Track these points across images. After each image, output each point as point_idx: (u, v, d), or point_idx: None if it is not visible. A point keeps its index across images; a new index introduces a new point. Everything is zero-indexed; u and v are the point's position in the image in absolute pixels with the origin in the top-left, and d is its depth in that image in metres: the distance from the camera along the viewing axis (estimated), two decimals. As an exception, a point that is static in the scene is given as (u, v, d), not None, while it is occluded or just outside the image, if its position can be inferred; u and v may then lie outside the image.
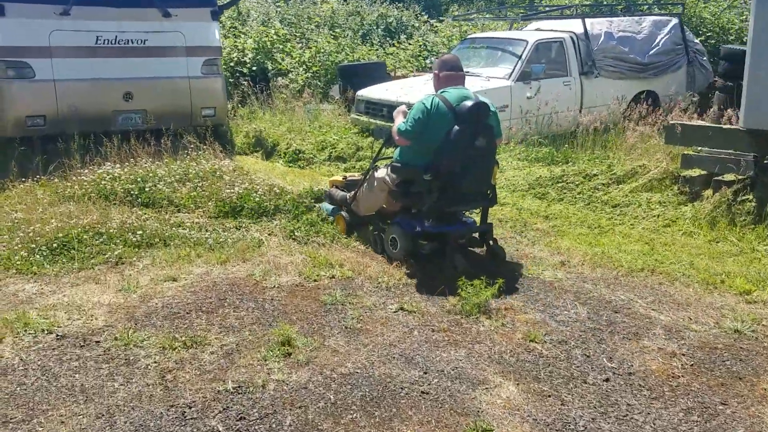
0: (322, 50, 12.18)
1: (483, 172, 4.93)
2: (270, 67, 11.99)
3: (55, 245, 5.09)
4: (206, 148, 8.06)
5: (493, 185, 5.08)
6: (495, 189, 5.12)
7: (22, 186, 6.78)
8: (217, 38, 9.13)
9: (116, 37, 8.19)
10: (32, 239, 5.17)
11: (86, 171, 6.91)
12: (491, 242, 5.09)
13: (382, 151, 5.55)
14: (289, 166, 8.56)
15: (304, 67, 11.83)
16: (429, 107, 4.72)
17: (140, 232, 5.37)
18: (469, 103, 4.68)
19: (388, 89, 8.81)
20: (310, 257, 5.00)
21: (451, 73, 4.96)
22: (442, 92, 4.85)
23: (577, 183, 6.67)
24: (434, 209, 4.81)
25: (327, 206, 5.94)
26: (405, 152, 4.99)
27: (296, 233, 5.50)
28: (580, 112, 9.00)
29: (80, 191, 6.45)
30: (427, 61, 13.20)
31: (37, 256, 4.94)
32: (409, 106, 5.30)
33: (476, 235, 5.23)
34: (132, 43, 8.31)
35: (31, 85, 7.82)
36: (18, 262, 4.84)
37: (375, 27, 14.75)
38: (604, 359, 3.45)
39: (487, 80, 8.49)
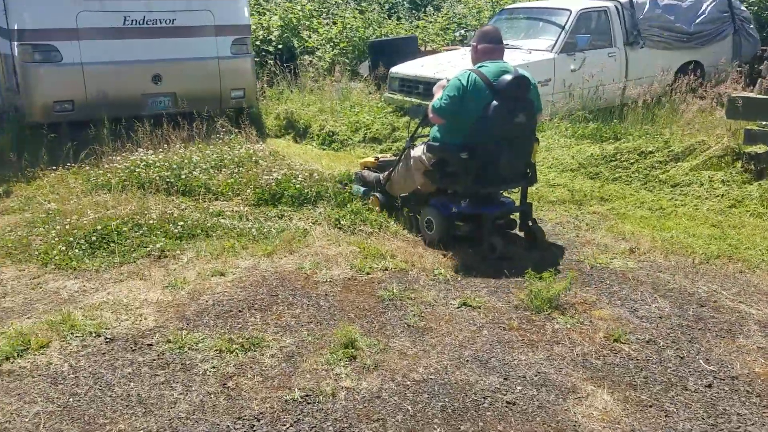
0: (349, 26, 11.82)
1: (522, 149, 4.73)
2: (296, 45, 11.67)
3: (93, 238, 4.88)
4: (238, 131, 7.83)
5: (533, 164, 4.86)
6: (535, 168, 4.91)
7: (53, 174, 6.60)
8: (247, 16, 8.83)
9: (144, 17, 7.93)
10: (69, 232, 4.97)
11: (119, 158, 6.70)
12: (530, 223, 4.90)
13: (418, 130, 5.34)
14: (323, 149, 8.30)
15: (332, 43, 11.49)
16: (465, 83, 4.52)
17: (181, 223, 5.15)
18: (508, 77, 4.48)
19: (423, 65, 8.47)
20: (359, 248, 4.75)
21: (490, 46, 4.74)
22: (479, 66, 4.64)
23: (632, 161, 6.33)
24: (471, 189, 4.65)
25: (359, 188, 5.75)
26: (441, 130, 4.80)
27: (341, 222, 5.25)
28: (624, 84, 8.61)
29: (114, 179, 6.24)
30: (456, 35, 12.81)
31: (76, 250, 4.74)
32: (430, 80, 5.15)
33: (516, 216, 5.03)
34: (160, 23, 8.04)
35: (58, 69, 7.60)
36: (57, 257, 4.65)
37: (401, 0, 14.32)
38: (701, 361, 3.18)
39: (528, 53, 8.12)
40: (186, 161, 6.50)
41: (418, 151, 5.02)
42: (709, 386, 2.97)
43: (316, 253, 4.69)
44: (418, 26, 12.84)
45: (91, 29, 7.68)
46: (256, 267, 4.48)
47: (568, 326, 3.55)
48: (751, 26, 9.84)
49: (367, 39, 11.74)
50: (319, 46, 11.33)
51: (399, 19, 13.32)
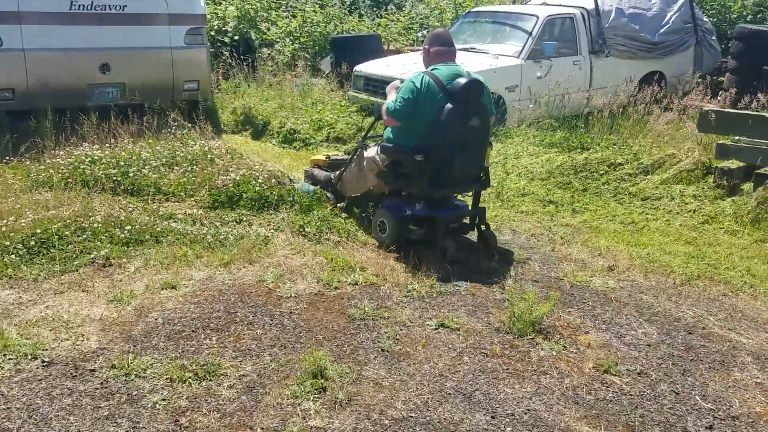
0: (309, 20, 11.43)
1: (476, 153, 4.73)
2: (254, 37, 11.22)
3: (32, 243, 4.42)
4: (192, 126, 7.40)
5: (486, 168, 4.86)
6: (488, 171, 4.89)
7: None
8: (202, 5, 8.37)
9: (93, 2, 7.41)
10: (5, 235, 4.50)
11: (62, 153, 6.21)
12: (483, 227, 4.87)
13: (371, 130, 5.30)
14: (284, 147, 7.92)
15: (292, 37, 11.08)
16: (419, 86, 4.49)
17: (129, 227, 4.74)
18: (462, 80, 4.49)
19: (389, 65, 8.18)
20: (326, 258, 4.44)
21: (442, 49, 4.73)
22: (432, 69, 4.62)
23: (601, 172, 6.19)
24: (425, 192, 4.63)
25: (308, 186, 5.58)
26: (395, 132, 4.74)
27: (306, 229, 4.92)
28: (589, 93, 8.51)
29: (56, 176, 5.76)
30: (419, 35, 12.57)
31: (12, 256, 4.28)
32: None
33: (468, 220, 5.01)
34: (110, 9, 7.53)
35: (-2, 55, 7.04)
36: (-11, 264, 4.20)
37: (361, -5, 14.00)
38: (698, 397, 2.97)
39: (495, 58, 7.92)
40: (134, 158, 6.05)
41: (372, 151, 4.95)
42: (710, 428, 2.76)
43: (278, 264, 4.36)
44: (380, 24, 12.53)
45: (34, 13, 7.14)
46: (212, 279, 4.12)
47: (554, 353, 3.32)
48: (713, 38, 9.87)
49: (328, 34, 11.38)
50: (278, 40, 10.91)
51: (361, 16, 12.98)
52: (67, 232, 4.59)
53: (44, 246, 4.46)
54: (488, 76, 7.50)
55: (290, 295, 3.91)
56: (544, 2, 9.07)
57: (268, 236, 4.81)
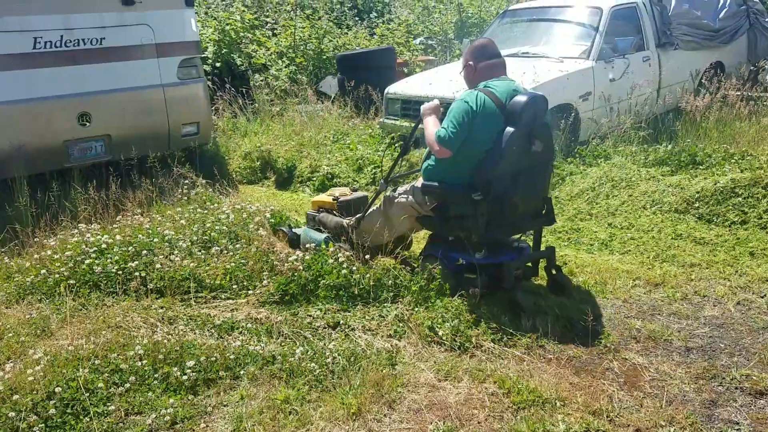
0: (299, 37, 9.93)
1: (539, 183, 4.02)
2: (238, 62, 9.66)
3: (52, 411, 2.88)
4: (207, 183, 5.88)
5: (549, 199, 4.12)
6: (551, 203, 4.12)
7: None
8: (195, 30, 6.81)
9: (62, 37, 5.78)
10: (6, 398, 2.95)
11: (53, 241, 4.62)
12: (554, 271, 4.07)
13: (397, 164, 4.53)
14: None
15: (285, 59, 9.56)
16: (475, 106, 3.72)
17: (189, 360, 3.22)
18: (522, 98, 3.74)
19: (432, 82, 6.76)
20: (497, 386, 3.02)
21: (492, 62, 3.95)
22: (485, 86, 3.84)
23: (757, 196, 4.89)
24: (487, 237, 3.83)
25: (315, 235, 4.58)
26: (440, 167, 3.91)
27: (437, 330, 3.48)
28: (659, 92, 7.30)
29: (51, 277, 4.19)
30: (416, 42, 11.18)
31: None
32: (444, 101, 4.31)
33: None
34: (84, 44, 5.92)
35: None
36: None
37: (341, 6, 12.51)
38: None
39: (560, 61, 6.60)
40: (155, 240, 4.49)
41: (404, 191, 4.20)
42: None
43: (431, 405, 2.92)
44: (375, 35, 11.10)
45: (-12, 56, 5.49)
46: (352, 447, 2.66)
47: None
48: (767, 20, 8.80)
49: (322, 52, 9.92)
50: (270, 63, 9.36)
51: (349, 28, 11.51)
52: (99, 383, 3.06)
53: (72, 413, 2.91)
54: (559, 84, 6.24)
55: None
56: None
57: (390, 351, 3.35)
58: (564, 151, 5.97)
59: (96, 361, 3.17)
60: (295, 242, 4.63)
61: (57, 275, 4.21)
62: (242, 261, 4.30)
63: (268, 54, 9.60)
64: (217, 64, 9.57)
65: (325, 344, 3.42)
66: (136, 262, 4.24)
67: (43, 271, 4.25)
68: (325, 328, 3.61)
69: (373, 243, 4.31)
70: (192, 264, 4.24)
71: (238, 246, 4.55)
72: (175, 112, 6.55)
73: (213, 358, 3.24)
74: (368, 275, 3.93)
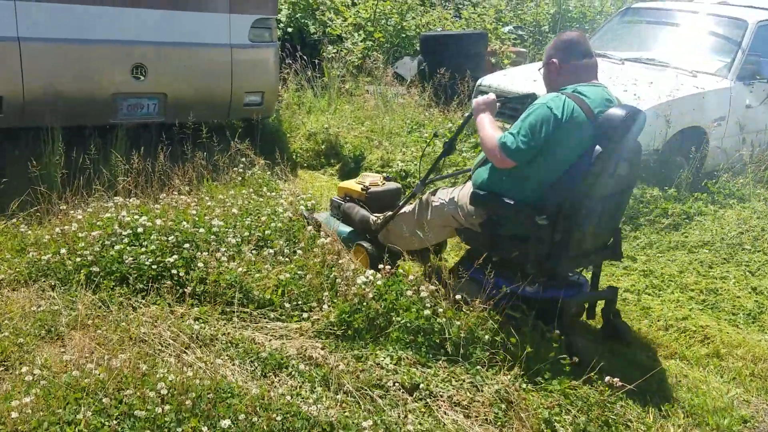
0: (381, 10, 9.05)
1: (616, 213, 3.50)
2: (311, 30, 8.84)
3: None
4: (261, 161, 5.11)
5: (618, 229, 3.55)
6: (620, 235, 3.56)
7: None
8: (274, -14, 6.03)
9: (125, -28, 5.05)
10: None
11: (80, 213, 3.89)
12: (612, 315, 3.53)
13: (439, 164, 3.99)
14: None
15: (361, 32, 8.70)
16: (560, 114, 3.09)
17: (227, 421, 2.42)
18: (619, 112, 3.10)
19: (537, 79, 5.82)
20: None
21: (583, 62, 3.30)
22: (575, 91, 3.19)
23: None
24: (546, 269, 3.22)
25: (339, 225, 4.10)
26: (501, 176, 3.27)
27: (556, 425, 2.62)
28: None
29: (72, 262, 3.46)
30: (506, 30, 10.20)
31: None
32: (501, 94, 3.75)
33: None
34: (150, -16, 5.17)
35: (-21, 45, 4.65)
36: None
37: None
38: None
39: (693, 76, 5.61)
40: (201, 229, 3.72)
41: (445, 198, 3.58)
42: None
43: None
44: (461, 17, 10.15)
45: (37, -16, 4.76)
46: None
47: None
48: None
49: (402, 29, 9.03)
50: (346, 35, 8.52)
51: (432, 6, 10.58)
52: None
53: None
54: (692, 102, 5.30)
55: None
56: (723, 1, 6.73)
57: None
58: (688, 185, 5.03)
59: (104, 399, 2.41)
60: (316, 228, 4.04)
61: (79, 258, 3.50)
62: (299, 273, 3.51)
63: (344, 25, 8.74)
64: (289, 29, 8.78)
65: (400, 418, 2.60)
66: (175, 257, 3.49)
67: (63, 251, 3.53)
68: (399, 389, 2.79)
69: (404, 247, 3.78)
70: (240, 268, 3.46)
71: (295, 250, 3.77)
72: (241, 77, 5.76)
73: (254, 420, 2.44)
74: (459, 323, 3.09)
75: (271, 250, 3.70)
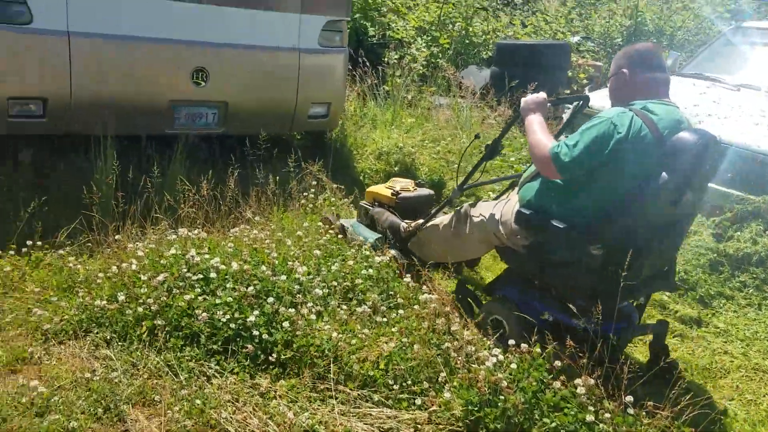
0: (447, 14, 8.40)
1: (675, 242, 3.17)
2: (369, 32, 8.21)
3: None
4: (332, 184, 4.50)
5: (673, 258, 3.27)
6: (674, 263, 3.29)
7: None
8: (348, -15, 5.40)
9: (190, -35, 4.43)
10: None
11: (137, 246, 3.29)
12: (663, 356, 3.19)
13: (479, 169, 3.58)
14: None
15: (425, 37, 8.04)
16: (624, 132, 2.74)
17: None
18: (691, 136, 2.75)
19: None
20: None
21: (657, 76, 2.98)
22: (644, 108, 2.84)
23: None
24: (598, 300, 2.79)
25: (365, 232, 3.87)
26: (551, 194, 2.97)
27: None
28: None
29: (130, 308, 2.87)
30: (574, 40, 9.49)
31: None
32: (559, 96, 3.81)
33: None
34: (216, -21, 4.55)
35: (22, 38, 3.97)
36: None
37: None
38: None
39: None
40: (284, 277, 3.10)
41: (485, 212, 3.27)
42: None
43: None
44: (525, 24, 9.47)
45: (91, -28, 4.15)
46: None
47: None
48: None
49: (467, 35, 8.38)
50: (409, 40, 7.86)
51: (495, 13, 9.91)
52: None
53: None
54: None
55: None
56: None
57: None
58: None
59: None
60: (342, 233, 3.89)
61: (141, 307, 2.89)
62: (403, 341, 2.87)
63: (407, 28, 8.10)
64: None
65: None
66: (257, 313, 2.86)
67: (121, 296, 2.92)
68: None
69: (436, 259, 3.58)
70: (335, 333, 2.83)
71: (392, 305, 3.15)
72: (307, 86, 5.13)
73: None
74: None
75: (366, 308, 3.07)
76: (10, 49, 3.99)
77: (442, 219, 3.54)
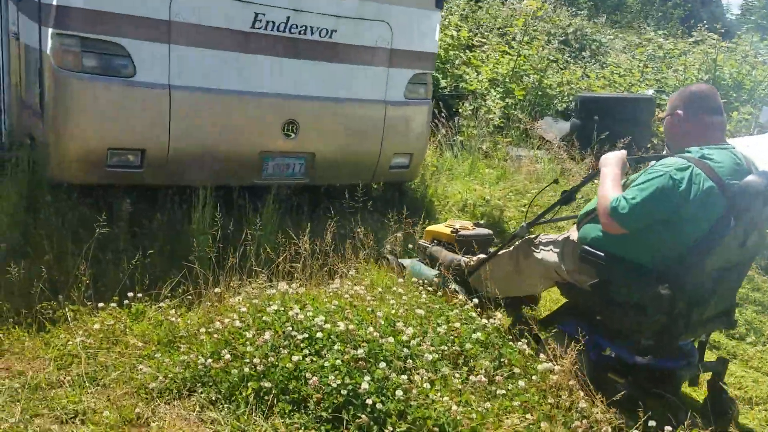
0: (521, 66, 8.35)
1: (737, 282, 3.19)
2: (442, 84, 8.20)
3: None
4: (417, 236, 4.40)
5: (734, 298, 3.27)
6: (734, 303, 3.27)
7: (92, 321, 3.12)
8: (436, 39, 5.39)
9: (288, 19, 4.44)
10: None
11: (238, 300, 3.22)
12: (719, 388, 3.13)
13: (551, 211, 3.54)
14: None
15: (499, 88, 7.99)
16: (684, 187, 2.73)
17: None
18: (757, 180, 2.73)
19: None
20: None
21: (714, 120, 2.96)
22: (702, 157, 2.82)
23: None
24: (664, 339, 2.87)
25: (425, 270, 3.88)
26: (616, 237, 2.90)
27: None
28: None
29: (234, 367, 2.77)
30: (649, 94, 9.31)
31: None
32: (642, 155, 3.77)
33: None
34: (312, 33, 4.56)
35: (125, 90, 4.03)
36: None
37: (553, 40, 10.85)
38: None
39: None
40: (391, 338, 2.97)
41: (547, 248, 3.27)
42: None
43: None
44: (586, 75, 9.36)
45: (194, 27, 4.17)
46: None
47: None
48: None
49: (541, 86, 8.30)
50: (484, 91, 7.83)
51: (565, 66, 9.84)
52: None
53: None
54: None
55: None
56: None
57: None
58: None
59: None
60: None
61: (247, 367, 2.78)
62: (528, 417, 2.69)
63: (480, 80, 8.06)
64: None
65: None
66: (368, 379, 2.72)
67: (225, 354, 2.83)
68: None
69: (496, 294, 3.50)
70: (453, 404, 2.67)
71: (508, 377, 2.97)
72: (391, 137, 5.10)
73: None
74: None
75: (482, 377, 2.90)
76: (113, 101, 4.04)
77: (504, 254, 3.54)
